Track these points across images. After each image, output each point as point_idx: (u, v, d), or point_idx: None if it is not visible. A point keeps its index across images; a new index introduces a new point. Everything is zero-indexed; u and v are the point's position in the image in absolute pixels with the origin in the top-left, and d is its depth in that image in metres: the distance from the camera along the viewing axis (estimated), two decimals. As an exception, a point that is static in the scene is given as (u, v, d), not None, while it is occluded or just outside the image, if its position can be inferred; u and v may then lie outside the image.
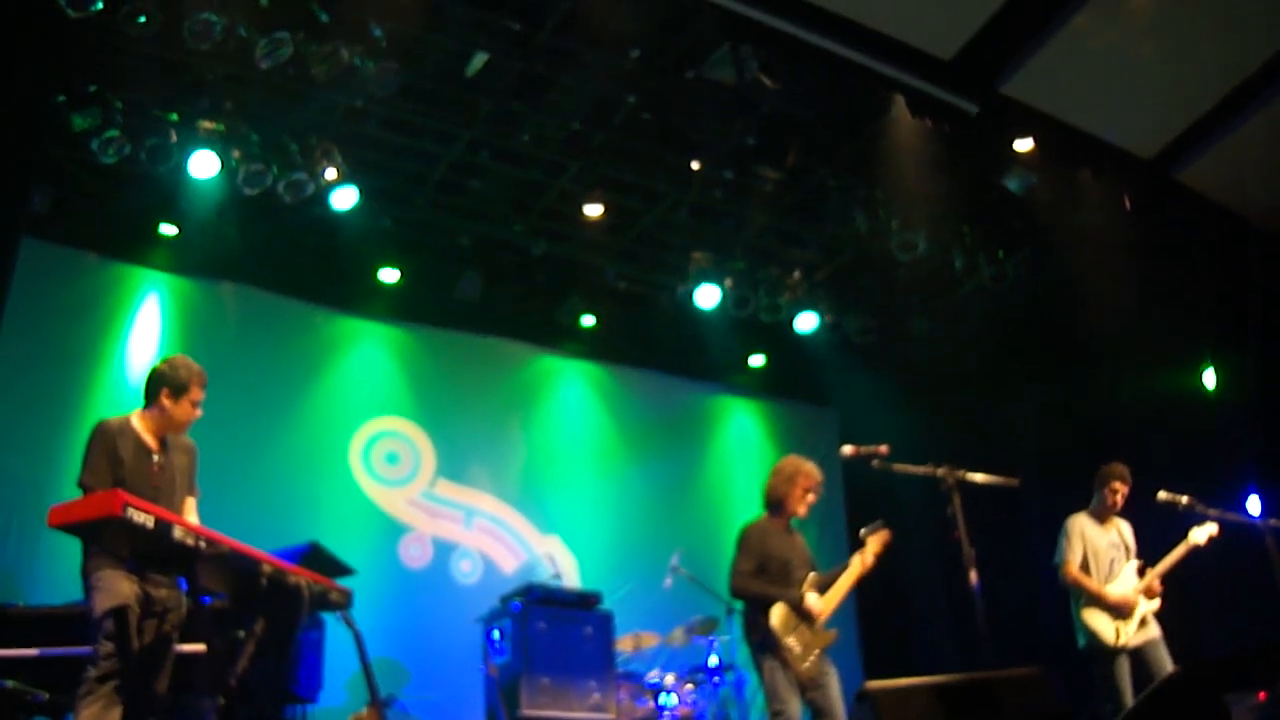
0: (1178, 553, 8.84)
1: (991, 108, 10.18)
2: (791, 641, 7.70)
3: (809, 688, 7.69)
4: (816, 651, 7.76)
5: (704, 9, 9.37)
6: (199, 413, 6.61)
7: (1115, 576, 8.85)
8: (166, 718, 6.35)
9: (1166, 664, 8.53)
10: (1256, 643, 9.53)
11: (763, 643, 7.79)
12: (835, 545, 15.07)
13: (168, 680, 6.27)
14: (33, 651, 7.17)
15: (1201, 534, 8.83)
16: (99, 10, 8.72)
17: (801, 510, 8.32)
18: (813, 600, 7.88)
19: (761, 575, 7.96)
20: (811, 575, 8.09)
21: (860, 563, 8.18)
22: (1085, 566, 8.87)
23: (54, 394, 10.82)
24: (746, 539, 8.16)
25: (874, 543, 8.29)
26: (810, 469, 8.39)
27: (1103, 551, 8.94)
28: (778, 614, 7.76)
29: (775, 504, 8.34)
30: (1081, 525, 9.03)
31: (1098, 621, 8.68)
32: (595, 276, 13.56)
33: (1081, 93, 10.20)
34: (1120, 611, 8.68)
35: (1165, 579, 8.81)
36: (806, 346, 14.27)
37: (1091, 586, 8.75)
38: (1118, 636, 8.60)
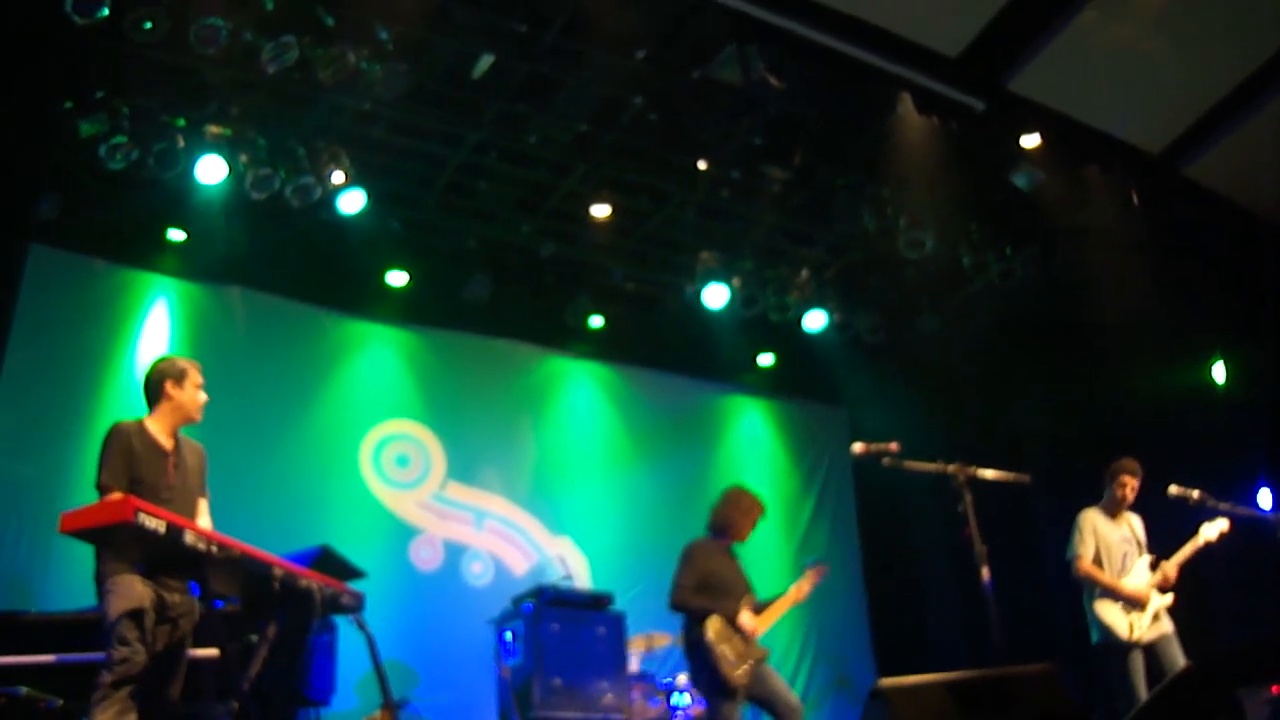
0: (1189, 548, 8.87)
1: (998, 105, 10.18)
2: (725, 650, 8.19)
3: (748, 691, 8.27)
4: (749, 663, 8.26)
5: (709, 9, 9.38)
6: (205, 396, 6.65)
7: (1128, 571, 8.87)
8: (180, 722, 6.37)
9: (1179, 659, 8.54)
10: (1269, 636, 9.55)
11: (697, 652, 8.33)
12: (846, 542, 15.12)
13: (181, 685, 6.28)
14: (49, 658, 7.18)
15: (1212, 530, 8.88)
16: (105, 17, 8.73)
17: (744, 537, 8.93)
18: (745, 618, 8.38)
19: (702, 592, 8.44)
20: (748, 597, 8.58)
21: (796, 590, 8.88)
22: (1098, 561, 8.89)
23: (64, 401, 10.84)
24: (690, 556, 8.69)
25: (812, 574, 9.06)
26: (754, 500, 9.01)
27: (1115, 546, 8.95)
28: (713, 626, 8.27)
29: (722, 528, 8.89)
30: (1093, 520, 9.04)
31: (1111, 615, 8.68)
32: (603, 277, 13.58)
33: (1088, 89, 10.19)
34: (1134, 605, 8.69)
35: (1177, 573, 8.83)
36: (815, 345, 14.27)
37: (1105, 580, 8.76)
38: (1131, 631, 8.61)
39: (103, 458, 6.28)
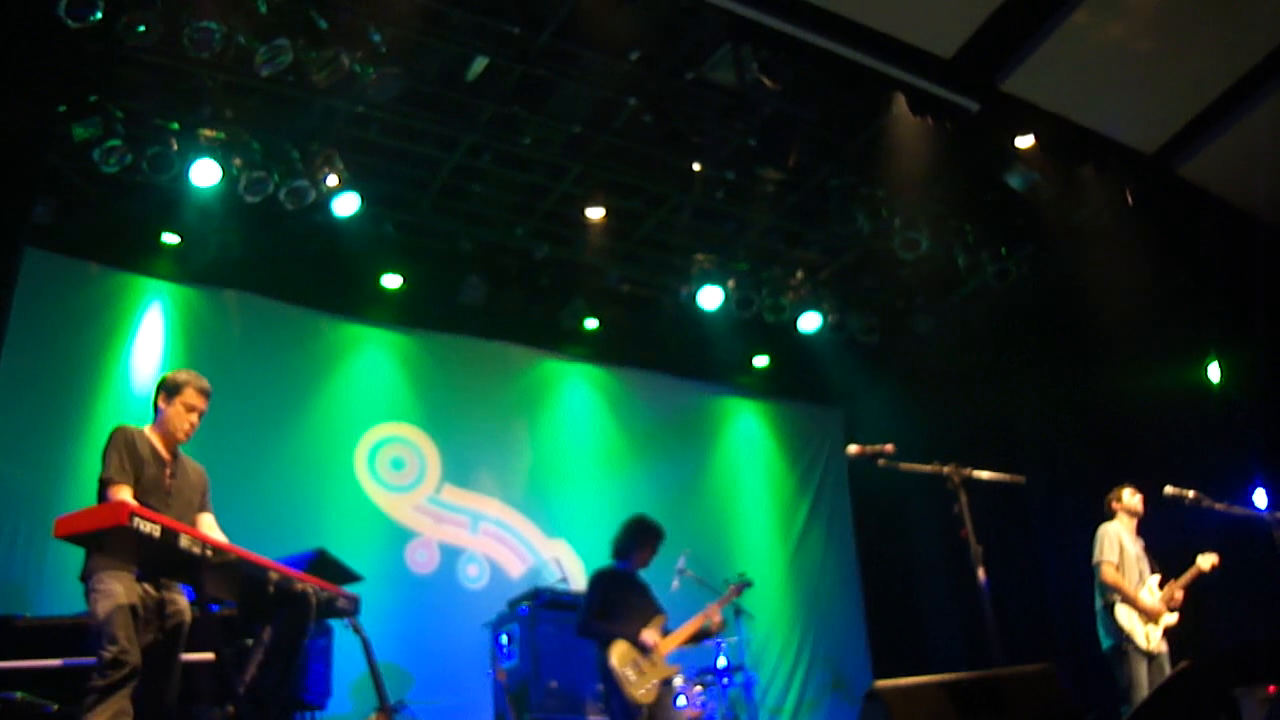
0: (1188, 575, 9.24)
1: (992, 105, 10.17)
2: (628, 671, 8.59)
3: (652, 711, 8.63)
4: (654, 682, 8.67)
5: (704, 10, 9.37)
6: (194, 419, 6.60)
7: (1143, 585, 9.11)
8: (175, 726, 6.34)
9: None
10: (1265, 636, 9.60)
11: (605, 676, 8.69)
12: (842, 543, 15.11)
13: (176, 688, 6.25)
14: (45, 663, 7.16)
15: (1205, 561, 9.26)
16: (99, 20, 8.70)
17: (646, 564, 9.29)
18: (647, 635, 8.77)
19: (606, 618, 8.83)
20: (658, 618, 9.00)
21: (703, 616, 9.31)
22: (1120, 571, 9.08)
23: (58, 405, 10.83)
24: (595, 585, 9.15)
25: (729, 594, 9.86)
26: (657, 531, 9.33)
27: (1133, 561, 9.22)
28: (617, 650, 8.67)
29: (624, 555, 9.26)
30: (1118, 531, 9.34)
31: (1131, 623, 8.93)
32: (598, 279, 13.55)
33: (1082, 89, 10.19)
34: (1150, 617, 8.91)
35: (1184, 595, 9.13)
36: (810, 346, 14.28)
37: (1129, 591, 9.00)
38: (1149, 641, 8.85)
39: (106, 456, 6.29)
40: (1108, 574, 9.07)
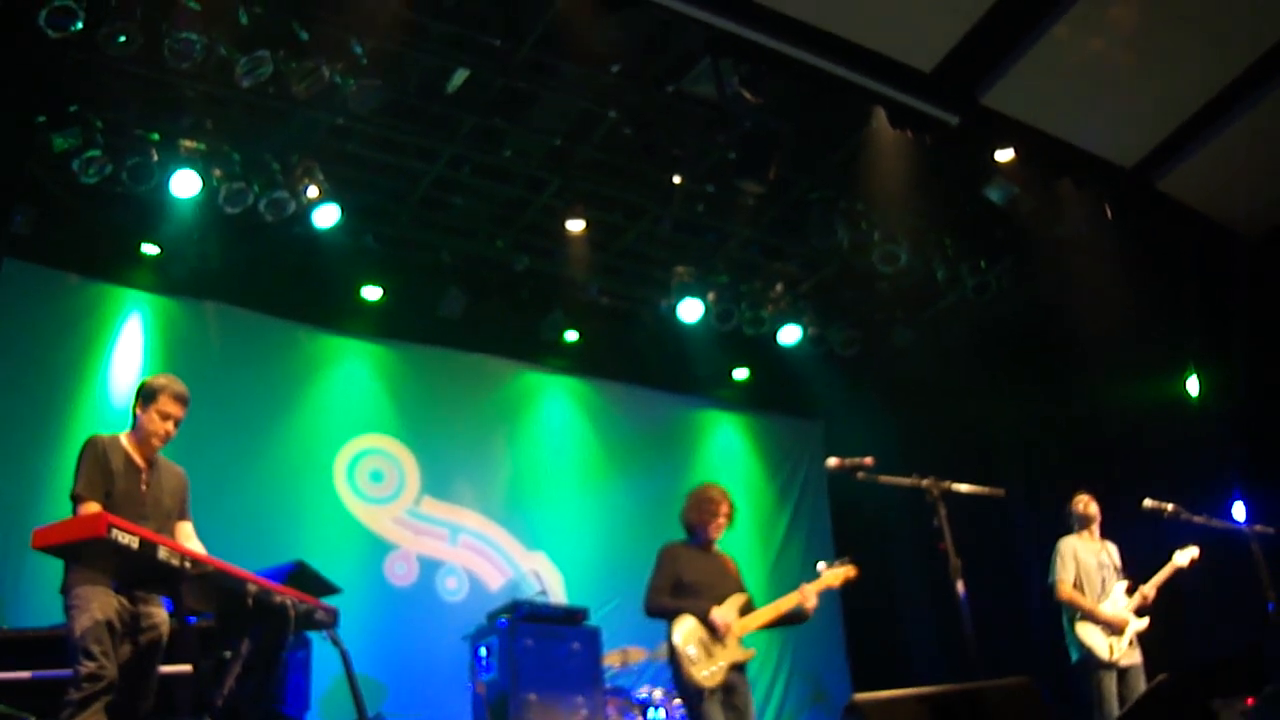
0: (1163, 573, 9.17)
1: (972, 119, 10.18)
2: (691, 649, 7.83)
3: (718, 700, 7.78)
4: (721, 664, 7.85)
5: (684, 24, 9.37)
6: (169, 426, 6.55)
7: (1107, 595, 9.12)
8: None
9: (1142, 689, 8.72)
10: (1243, 649, 9.62)
11: (670, 654, 7.95)
12: (821, 556, 15.01)
13: (153, 701, 6.23)
14: (22, 674, 7.13)
15: (1184, 557, 9.17)
16: (79, 30, 8.68)
17: (716, 534, 8.41)
18: (716, 613, 7.96)
19: (675, 594, 8.11)
20: (738, 596, 8.19)
21: (798, 595, 8.26)
22: (1078, 585, 9.13)
23: (36, 415, 10.77)
24: (661, 560, 8.34)
25: (830, 578, 8.48)
26: (717, 494, 8.49)
27: (1094, 571, 9.20)
28: (683, 627, 7.91)
29: (690, 529, 8.47)
30: (1073, 545, 9.31)
31: (1092, 637, 8.92)
32: (578, 292, 13.53)
33: (1062, 103, 10.21)
34: (1113, 629, 8.89)
35: (1155, 595, 9.03)
36: (790, 359, 14.29)
37: (1085, 605, 9.01)
38: (1111, 652, 8.85)
39: (77, 469, 6.27)
40: (1063, 593, 9.08)
